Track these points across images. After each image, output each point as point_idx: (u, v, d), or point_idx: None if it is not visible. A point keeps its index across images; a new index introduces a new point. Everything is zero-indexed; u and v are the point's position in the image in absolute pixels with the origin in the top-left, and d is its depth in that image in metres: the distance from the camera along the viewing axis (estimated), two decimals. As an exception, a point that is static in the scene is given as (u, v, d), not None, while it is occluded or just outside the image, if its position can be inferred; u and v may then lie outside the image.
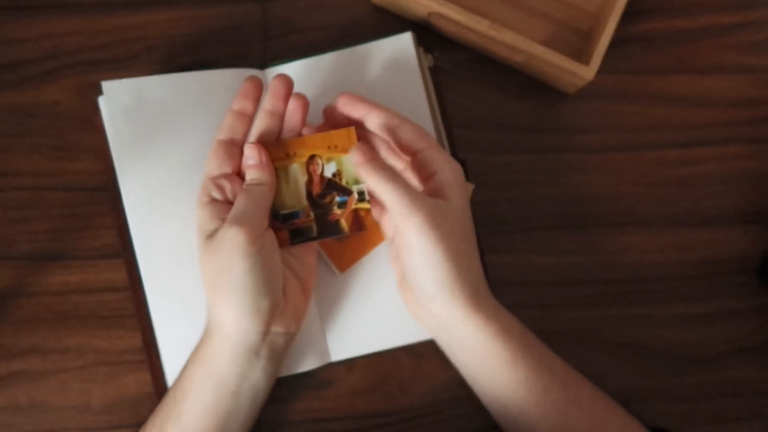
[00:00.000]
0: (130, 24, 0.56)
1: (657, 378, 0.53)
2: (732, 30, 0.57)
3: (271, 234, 0.46)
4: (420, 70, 0.54)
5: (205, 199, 0.46)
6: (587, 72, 0.50)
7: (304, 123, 0.48)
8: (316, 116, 0.52)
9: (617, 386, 0.47)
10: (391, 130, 0.46)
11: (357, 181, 0.47)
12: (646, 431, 0.46)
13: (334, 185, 0.47)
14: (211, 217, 0.45)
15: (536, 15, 0.56)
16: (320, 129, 0.50)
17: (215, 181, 0.46)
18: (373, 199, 0.47)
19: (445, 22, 0.52)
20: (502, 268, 0.53)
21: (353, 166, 0.45)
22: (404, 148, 0.46)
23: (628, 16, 0.52)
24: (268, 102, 0.47)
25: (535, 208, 0.55)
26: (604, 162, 0.56)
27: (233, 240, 0.43)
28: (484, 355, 0.45)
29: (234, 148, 0.47)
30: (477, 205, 0.51)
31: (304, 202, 0.47)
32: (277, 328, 0.46)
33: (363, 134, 0.48)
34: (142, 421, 0.47)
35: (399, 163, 0.48)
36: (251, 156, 0.46)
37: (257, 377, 0.45)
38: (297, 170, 0.47)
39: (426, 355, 0.53)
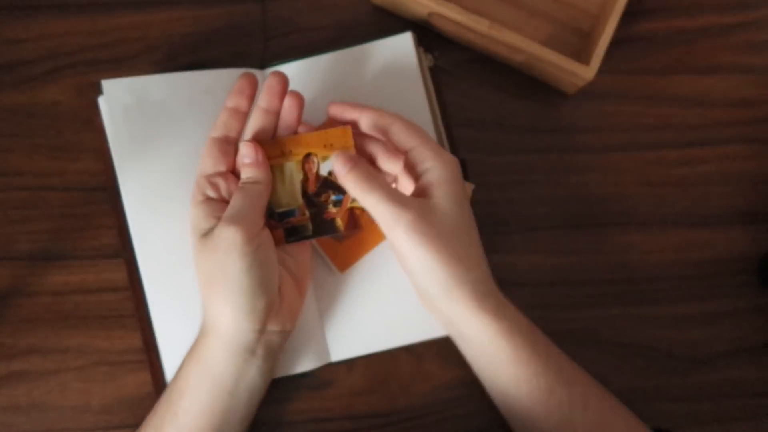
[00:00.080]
0: (130, 24, 0.56)
1: (657, 378, 0.53)
2: (732, 30, 0.57)
3: (267, 233, 0.46)
4: (420, 70, 0.54)
5: (200, 198, 0.46)
6: (587, 72, 0.50)
7: (299, 121, 0.48)
8: (315, 116, 0.52)
9: (617, 386, 0.47)
10: (383, 131, 0.46)
11: None
12: None
13: (330, 184, 0.47)
14: (205, 216, 0.45)
15: (536, 15, 0.56)
16: (318, 128, 0.50)
17: (210, 179, 0.46)
18: None
19: (445, 22, 0.52)
20: (502, 268, 0.53)
21: (337, 176, 0.45)
22: (398, 147, 0.46)
23: (628, 16, 0.52)
24: (264, 99, 0.47)
25: (535, 208, 0.55)
26: (604, 162, 0.56)
27: (230, 239, 0.43)
28: (489, 352, 0.45)
29: (228, 145, 0.47)
30: (477, 205, 0.51)
31: (300, 200, 0.47)
32: (273, 327, 0.46)
33: (360, 140, 0.48)
34: (142, 421, 0.47)
35: (396, 165, 0.48)
36: (247, 154, 0.46)
37: (253, 376, 0.45)
38: (292, 168, 0.47)
39: (426, 355, 0.53)
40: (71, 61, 0.55)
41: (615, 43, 0.51)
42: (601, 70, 0.50)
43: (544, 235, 0.55)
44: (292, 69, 0.54)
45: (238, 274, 0.43)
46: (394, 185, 0.49)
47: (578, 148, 0.56)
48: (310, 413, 0.52)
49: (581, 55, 0.55)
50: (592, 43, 0.52)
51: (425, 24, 0.55)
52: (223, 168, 0.47)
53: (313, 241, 0.52)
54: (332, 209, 0.47)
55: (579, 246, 0.55)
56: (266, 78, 0.54)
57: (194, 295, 0.49)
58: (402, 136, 0.45)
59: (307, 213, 0.47)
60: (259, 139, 0.47)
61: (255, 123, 0.47)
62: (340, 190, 0.47)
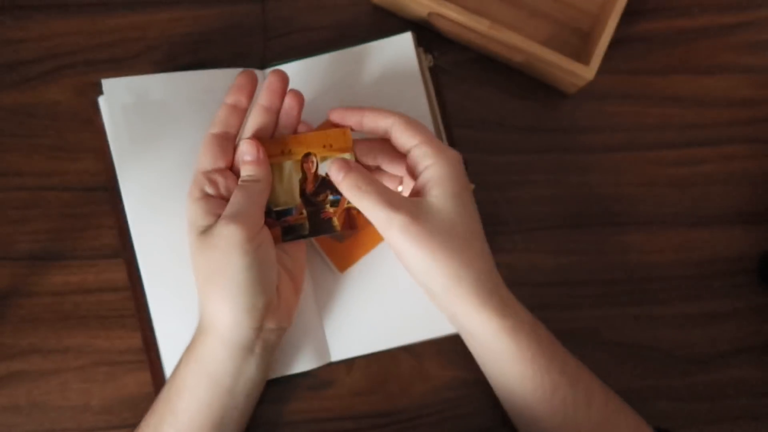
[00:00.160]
0: (130, 24, 0.56)
1: (657, 378, 0.53)
2: (732, 30, 0.57)
3: (267, 232, 0.46)
4: (420, 70, 0.54)
5: (198, 194, 0.46)
6: (587, 72, 0.50)
7: (299, 120, 0.48)
8: (315, 116, 0.52)
9: (617, 386, 0.47)
10: (385, 132, 0.46)
11: None
12: None
13: (328, 184, 0.47)
14: (204, 213, 0.45)
15: (536, 15, 0.56)
16: (320, 128, 0.51)
17: (208, 175, 0.46)
18: None
19: (445, 22, 0.52)
20: (502, 268, 0.53)
21: (333, 180, 0.45)
22: (400, 147, 0.46)
23: (628, 16, 0.52)
24: (264, 97, 0.47)
25: (535, 208, 0.55)
26: (604, 162, 0.56)
27: (231, 237, 0.43)
28: (493, 349, 0.45)
29: (227, 142, 0.47)
30: (477, 205, 0.51)
31: (298, 199, 0.47)
32: (270, 324, 0.46)
33: (364, 147, 0.48)
34: (142, 421, 0.47)
35: (399, 169, 0.48)
36: (248, 152, 0.46)
37: (251, 373, 0.45)
38: (291, 167, 0.47)
39: (426, 355, 0.53)
40: (71, 61, 0.55)
41: (615, 43, 0.51)
42: (601, 70, 0.50)
43: (544, 235, 0.55)
44: (292, 69, 0.54)
45: (238, 272, 0.43)
46: (400, 187, 0.49)
47: (578, 148, 0.56)
48: (310, 413, 0.52)
49: (581, 55, 0.55)
50: (592, 43, 0.52)
51: (425, 24, 0.55)
52: (221, 165, 0.46)
53: (313, 241, 0.52)
54: (329, 209, 0.47)
55: (579, 246, 0.55)
56: (266, 78, 0.54)
57: (194, 295, 0.49)
58: (402, 136, 0.45)
59: (305, 212, 0.47)
60: (259, 137, 0.46)
61: (255, 121, 0.47)
62: (337, 191, 0.47)
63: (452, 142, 0.55)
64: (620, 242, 0.55)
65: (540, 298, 0.54)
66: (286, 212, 0.47)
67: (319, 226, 0.47)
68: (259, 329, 0.45)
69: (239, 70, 0.53)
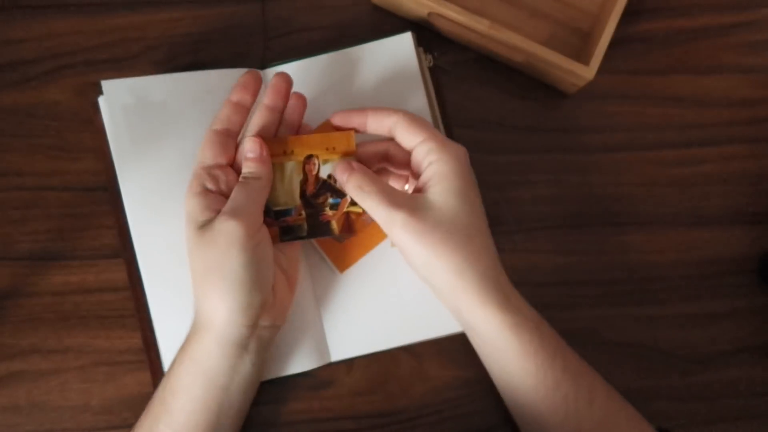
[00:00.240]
0: (130, 24, 0.56)
1: (657, 378, 0.53)
2: (732, 30, 0.57)
3: (265, 230, 0.46)
4: (420, 70, 0.54)
5: (198, 189, 0.45)
6: (587, 72, 0.50)
7: (301, 122, 0.49)
8: (316, 116, 0.52)
9: (617, 386, 0.47)
10: (389, 130, 0.46)
11: None
12: None
13: (329, 186, 0.47)
14: (203, 208, 0.45)
15: (536, 15, 0.56)
16: (320, 129, 0.50)
17: (209, 170, 0.46)
18: None
19: (445, 22, 0.52)
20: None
21: (339, 182, 0.46)
22: (404, 146, 0.46)
23: (628, 16, 0.52)
24: (269, 98, 0.47)
25: (535, 208, 0.55)
26: (604, 162, 0.56)
27: (230, 234, 0.43)
28: (496, 345, 0.45)
29: (229, 139, 0.47)
30: (477, 205, 0.51)
31: (297, 200, 0.47)
32: (265, 322, 0.46)
33: (368, 152, 0.48)
34: (142, 421, 0.47)
35: (405, 169, 0.48)
36: (252, 149, 0.46)
37: (247, 370, 0.45)
38: (293, 168, 0.47)
39: (426, 355, 0.53)
40: (71, 61, 0.55)
41: (615, 43, 0.51)
42: (601, 70, 0.50)
43: (544, 235, 0.55)
44: (292, 69, 0.54)
45: (237, 269, 0.43)
46: (406, 186, 0.49)
47: (578, 148, 0.56)
48: (310, 413, 0.52)
49: (581, 55, 0.55)
50: (592, 43, 0.52)
51: (425, 24, 0.55)
52: (223, 161, 0.46)
53: (313, 241, 0.52)
54: (329, 212, 0.47)
55: (579, 246, 0.55)
56: (267, 78, 0.54)
57: (194, 295, 0.49)
58: (406, 133, 0.45)
59: (304, 213, 0.47)
60: (261, 136, 0.47)
61: (259, 120, 0.47)
62: (338, 194, 0.47)
63: (452, 142, 0.55)
64: (620, 242, 0.55)
65: (540, 298, 0.53)
66: (286, 212, 0.47)
67: (317, 228, 0.47)
68: (254, 327, 0.45)
69: (239, 70, 0.53)
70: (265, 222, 0.46)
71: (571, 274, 0.54)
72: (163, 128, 0.52)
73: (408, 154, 0.46)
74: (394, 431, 0.52)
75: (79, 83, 0.55)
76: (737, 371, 0.54)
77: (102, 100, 0.52)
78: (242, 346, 0.45)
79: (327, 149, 0.47)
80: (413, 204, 0.43)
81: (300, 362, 0.51)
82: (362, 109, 0.47)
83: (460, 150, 0.45)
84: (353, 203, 0.47)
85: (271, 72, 0.54)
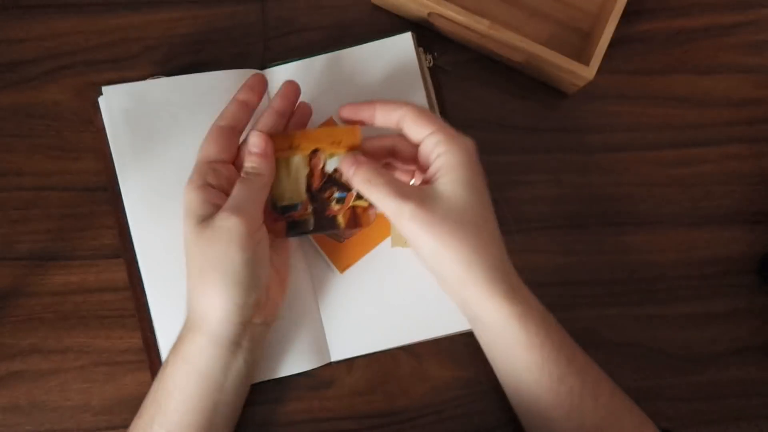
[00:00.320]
0: (130, 24, 0.56)
1: (657, 378, 0.53)
2: (732, 30, 0.57)
3: (265, 229, 0.46)
4: (420, 70, 0.54)
5: (199, 182, 0.45)
6: (587, 72, 0.50)
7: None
8: (316, 116, 0.52)
9: (617, 386, 0.47)
10: (397, 123, 0.46)
11: None
12: None
13: (335, 181, 0.47)
14: (203, 202, 0.44)
15: (536, 15, 0.56)
16: (321, 126, 0.51)
17: (212, 165, 0.46)
18: None
19: (445, 22, 0.52)
20: (502, 268, 0.53)
21: (345, 177, 0.46)
22: (412, 139, 0.46)
23: (628, 16, 0.52)
24: (278, 102, 0.48)
25: (535, 208, 0.55)
26: (604, 162, 0.56)
27: (232, 231, 0.43)
28: (501, 336, 0.45)
29: (234, 136, 0.47)
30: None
31: (303, 195, 0.47)
32: (257, 320, 0.46)
33: (377, 141, 0.48)
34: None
35: (411, 163, 0.48)
36: (256, 144, 0.46)
37: (240, 368, 0.45)
38: (299, 163, 0.47)
39: (426, 355, 0.53)
40: (71, 61, 0.55)
41: (615, 43, 0.51)
42: (601, 70, 0.50)
43: (544, 235, 0.55)
44: (292, 69, 0.54)
45: (236, 268, 0.43)
46: (412, 181, 0.49)
47: (578, 148, 0.56)
48: (310, 413, 0.52)
49: (581, 55, 0.55)
50: (592, 43, 0.52)
51: (425, 24, 0.55)
52: (226, 157, 0.46)
53: (314, 241, 0.52)
54: (335, 206, 0.47)
55: (579, 246, 0.55)
56: (268, 78, 0.54)
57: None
58: (414, 126, 0.45)
59: (310, 208, 0.47)
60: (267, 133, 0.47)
61: (266, 120, 0.47)
62: (343, 188, 0.47)
63: (452, 142, 0.55)
64: (620, 242, 0.55)
65: (540, 298, 0.53)
66: (292, 207, 0.47)
67: (323, 222, 0.47)
68: (248, 325, 0.45)
69: (238, 71, 0.53)
70: (271, 217, 0.46)
71: (571, 274, 0.54)
72: (163, 129, 0.52)
73: (414, 148, 0.46)
74: (394, 431, 0.52)
75: (79, 83, 0.55)
76: (737, 371, 0.54)
77: (102, 105, 0.52)
78: (236, 344, 0.45)
79: (333, 143, 0.47)
80: (422, 195, 0.43)
81: (300, 362, 0.51)
82: (370, 101, 0.47)
83: (469, 142, 0.45)
84: (359, 197, 0.47)
85: (271, 72, 0.54)
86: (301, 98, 0.53)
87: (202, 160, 0.46)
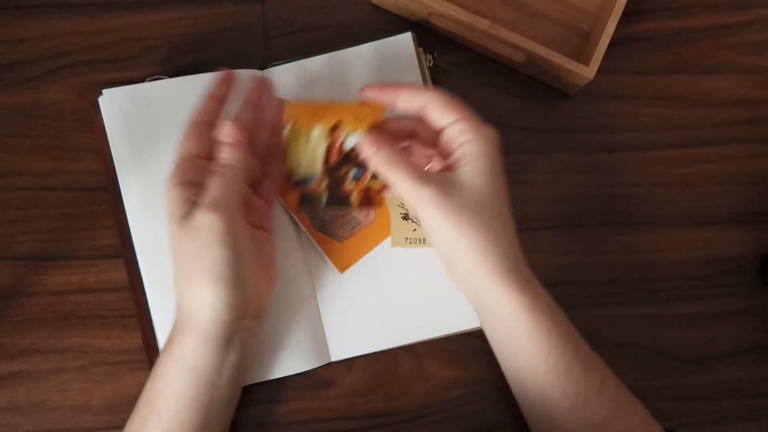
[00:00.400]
0: (130, 24, 0.56)
1: (657, 378, 0.53)
2: (732, 30, 0.58)
3: (244, 222, 0.45)
4: (420, 70, 0.54)
5: (179, 180, 0.45)
6: (587, 72, 0.50)
7: (281, 125, 0.49)
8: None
9: (617, 386, 0.47)
10: (419, 109, 0.45)
11: None
12: None
13: (352, 158, 0.46)
14: (183, 200, 0.44)
15: (536, 15, 0.56)
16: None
17: (192, 162, 0.45)
18: None
19: (445, 22, 0.52)
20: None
21: (364, 157, 0.45)
22: (435, 125, 0.45)
23: (628, 16, 0.52)
24: (250, 95, 0.48)
25: (535, 208, 0.55)
26: (604, 162, 0.56)
27: (212, 228, 0.42)
28: (510, 326, 0.44)
29: (210, 131, 0.47)
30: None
31: (320, 168, 0.46)
32: (248, 315, 0.45)
33: (396, 124, 0.47)
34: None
35: (428, 149, 0.47)
36: (229, 134, 0.45)
37: (233, 364, 0.45)
38: (319, 135, 0.46)
39: (426, 355, 0.53)
40: (71, 61, 0.55)
41: (615, 43, 0.51)
42: (601, 70, 0.50)
43: (544, 235, 0.55)
44: (293, 69, 0.54)
45: (219, 265, 0.42)
46: (429, 165, 0.49)
47: (578, 148, 0.56)
48: (310, 413, 0.52)
49: (581, 55, 0.55)
50: (592, 43, 0.52)
51: (425, 24, 0.55)
52: (204, 152, 0.46)
53: (313, 241, 0.52)
54: (349, 184, 0.47)
55: (579, 246, 0.55)
56: (266, 78, 0.54)
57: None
58: (439, 113, 0.45)
59: (324, 183, 0.47)
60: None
61: (239, 113, 0.48)
62: (360, 166, 0.46)
63: (452, 142, 0.55)
64: (620, 242, 0.55)
65: (540, 298, 0.54)
66: (306, 180, 0.46)
67: (336, 200, 0.47)
68: (238, 321, 0.45)
69: (236, 72, 0.53)
70: (285, 187, 0.46)
71: (571, 274, 0.54)
72: (163, 129, 0.52)
73: (434, 134, 0.46)
74: (394, 431, 0.52)
75: (79, 83, 0.55)
76: (737, 371, 0.54)
77: (102, 106, 0.52)
78: (228, 342, 0.44)
79: (356, 118, 0.46)
80: (443, 181, 0.43)
81: (300, 362, 0.51)
82: (395, 84, 0.46)
83: (493, 133, 0.45)
84: (374, 178, 0.46)
85: (270, 72, 0.54)
86: (301, 98, 0.54)
87: (182, 156, 0.46)
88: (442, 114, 0.45)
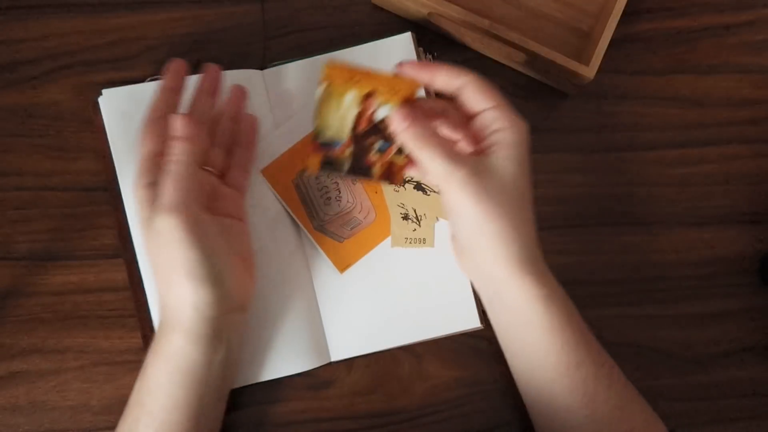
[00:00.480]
0: (130, 24, 0.56)
1: (657, 378, 0.53)
2: (732, 30, 0.58)
3: (209, 218, 0.44)
4: (420, 70, 0.54)
5: (147, 180, 0.44)
6: (587, 72, 0.50)
7: (240, 113, 0.51)
8: (310, 119, 0.51)
9: (617, 386, 0.47)
10: (455, 91, 0.45)
11: None
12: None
13: (380, 130, 0.45)
14: (147, 203, 0.43)
15: (536, 15, 0.56)
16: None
17: (154, 160, 0.45)
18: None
19: (445, 22, 0.52)
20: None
21: (393, 130, 0.44)
22: (468, 108, 0.45)
23: (628, 16, 0.52)
24: (201, 83, 0.49)
25: (535, 208, 0.55)
26: (604, 162, 0.56)
27: (173, 230, 0.41)
28: (523, 316, 0.44)
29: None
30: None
31: (347, 134, 0.46)
32: (232, 309, 0.45)
33: (427, 104, 0.47)
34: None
35: (455, 133, 0.47)
36: (177, 127, 0.44)
37: (222, 359, 0.45)
38: (351, 100, 0.45)
39: (426, 355, 0.53)
40: (71, 61, 0.55)
41: (615, 43, 0.51)
42: (601, 70, 0.50)
43: (544, 235, 0.54)
44: (293, 69, 0.54)
45: (192, 265, 0.42)
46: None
47: (578, 148, 0.56)
48: (310, 413, 0.52)
49: (581, 55, 0.55)
50: (592, 43, 0.52)
51: (425, 24, 0.55)
52: (165, 148, 0.45)
53: (313, 241, 0.52)
54: (374, 156, 0.46)
55: (579, 246, 0.55)
56: (266, 78, 0.54)
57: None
58: (476, 96, 0.44)
59: (349, 151, 0.46)
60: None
61: (193, 105, 0.48)
62: (387, 139, 0.45)
63: (452, 142, 0.55)
64: (620, 242, 0.55)
65: (540, 298, 0.54)
66: (332, 143, 0.46)
67: (358, 168, 0.46)
68: (223, 316, 0.44)
69: (238, 72, 0.53)
70: (309, 149, 0.45)
71: (571, 274, 0.54)
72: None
73: (464, 118, 0.46)
74: (393, 431, 0.52)
75: (79, 83, 0.55)
76: (737, 371, 0.54)
77: (102, 107, 0.52)
78: (215, 338, 0.44)
79: (390, 90, 0.45)
80: (475, 164, 0.42)
81: (300, 362, 0.51)
82: (433, 63, 0.46)
83: (526, 125, 0.45)
84: (399, 153, 0.46)
85: (270, 72, 0.54)
86: (301, 98, 0.54)
87: (145, 156, 0.45)
88: (479, 99, 0.44)
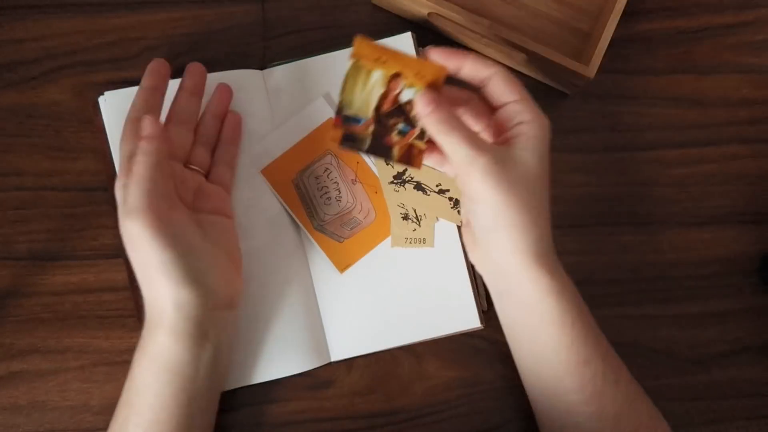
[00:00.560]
0: (130, 24, 0.56)
1: (657, 378, 0.53)
2: (732, 30, 0.58)
3: (181, 216, 0.44)
4: (420, 70, 0.53)
5: (122, 182, 0.43)
6: (587, 72, 0.50)
7: (225, 112, 0.51)
8: (315, 116, 0.52)
9: (617, 386, 0.47)
10: (482, 81, 0.45)
11: None
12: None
13: (403, 112, 0.45)
14: (120, 205, 0.43)
15: (536, 15, 0.56)
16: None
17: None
18: (434, 146, 0.45)
19: (445, 22, 0.52)
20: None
21: (417, 114, 0.44)
22: (493, 99, 0.45)
23: (628, 16, 0.52)
24: (184, 81, 0.49)
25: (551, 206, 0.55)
26: (604, 162, 0.56)
27: (141, 235, 0.41)
28: (534, 310, 0.44)
29: None
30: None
31: (370, 112, 0.45)
32: (218, 306, 0.45)
33: (451, 93, 0.46)
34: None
35: (476, 124, 0.47)
36: (143, 127, 0.43)
37: (210, 357, 0.45)
38: (378, 79, 0.45)
39: (426, 355, 0.53)
40: (71, 61, 0.55)
41: (615, 43, 0.51)
42: (601, 70, 0.50)
43: (544, 235, 0.55)
44: (292, 69, 0.54)
45: (168, 265, 0.42)
46: None
47: (578, 148, 0.56)
48: (309, 413, 0.52)
49: (581, 55, 0.55)
50: (592, 43, 0.52)
51: (425, 24, 0.55)
52: None
53: (313, 240, 0.52)
54: (395, 137, 0.45)
55: (579, 246, 0.55)
56: (266, 78, 0.54)
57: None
58: (502, 88, 0.44)
59: (371, 129, 0.45)
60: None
61: (174, 103, 0.49)
62: (409, 122, 0.45)
63: (452, 142, 0.55)
64: (620, 242, 0.55)
65: (540, 298, 0.54)
66: (355, 119, 0.45)
67: (379, 148, 0.45)
68: (208, 314, 0.44)
69: (238, 72, 0.53)
70: (333, 123, 0.45)
71: (571, 274, 0.54)
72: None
73: (487, 109, 0.46)
74: (393, 431, 0.52)
75: (79, 83, 0.55)
76: (737, 371, 0.54)
77: (102, 107, 0.52)
78: (201, 336, 0.44)
79: (416, 74, 0.45)
80: (498, 152, 0.42)
81: (300, 362, 0.51)
82: (462, 51, 0.45)
83: (548, 122, 0.45)
84: (420, 137, 0.45)
85: (270, 72, 0.54)
86: (301, 98, 0.54)
87: (121, 158, 0.45)
88: (505, 91, 0.44)
